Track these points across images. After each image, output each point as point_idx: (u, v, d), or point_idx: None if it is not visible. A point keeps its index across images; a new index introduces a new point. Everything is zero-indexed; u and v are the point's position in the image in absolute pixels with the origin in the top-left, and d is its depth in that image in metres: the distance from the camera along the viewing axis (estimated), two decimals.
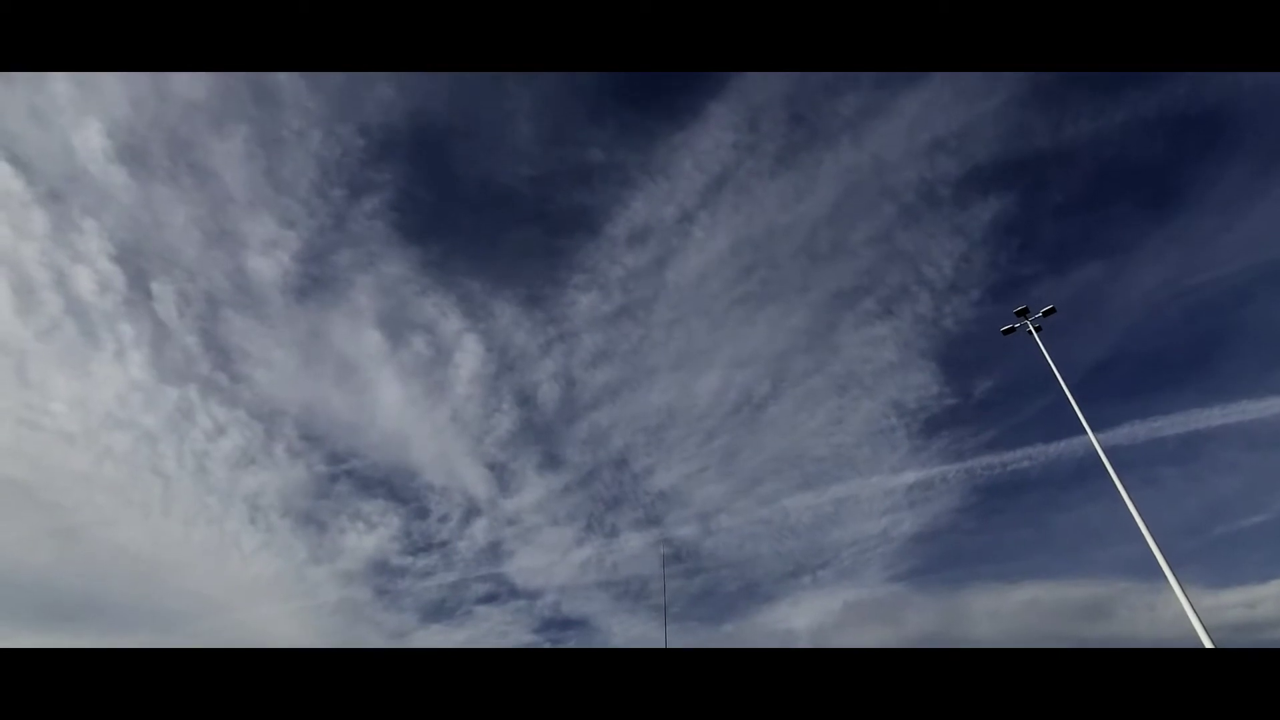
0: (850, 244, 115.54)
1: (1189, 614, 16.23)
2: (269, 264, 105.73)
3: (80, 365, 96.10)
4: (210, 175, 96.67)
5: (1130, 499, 18.86)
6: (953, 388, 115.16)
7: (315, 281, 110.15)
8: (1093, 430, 20.45)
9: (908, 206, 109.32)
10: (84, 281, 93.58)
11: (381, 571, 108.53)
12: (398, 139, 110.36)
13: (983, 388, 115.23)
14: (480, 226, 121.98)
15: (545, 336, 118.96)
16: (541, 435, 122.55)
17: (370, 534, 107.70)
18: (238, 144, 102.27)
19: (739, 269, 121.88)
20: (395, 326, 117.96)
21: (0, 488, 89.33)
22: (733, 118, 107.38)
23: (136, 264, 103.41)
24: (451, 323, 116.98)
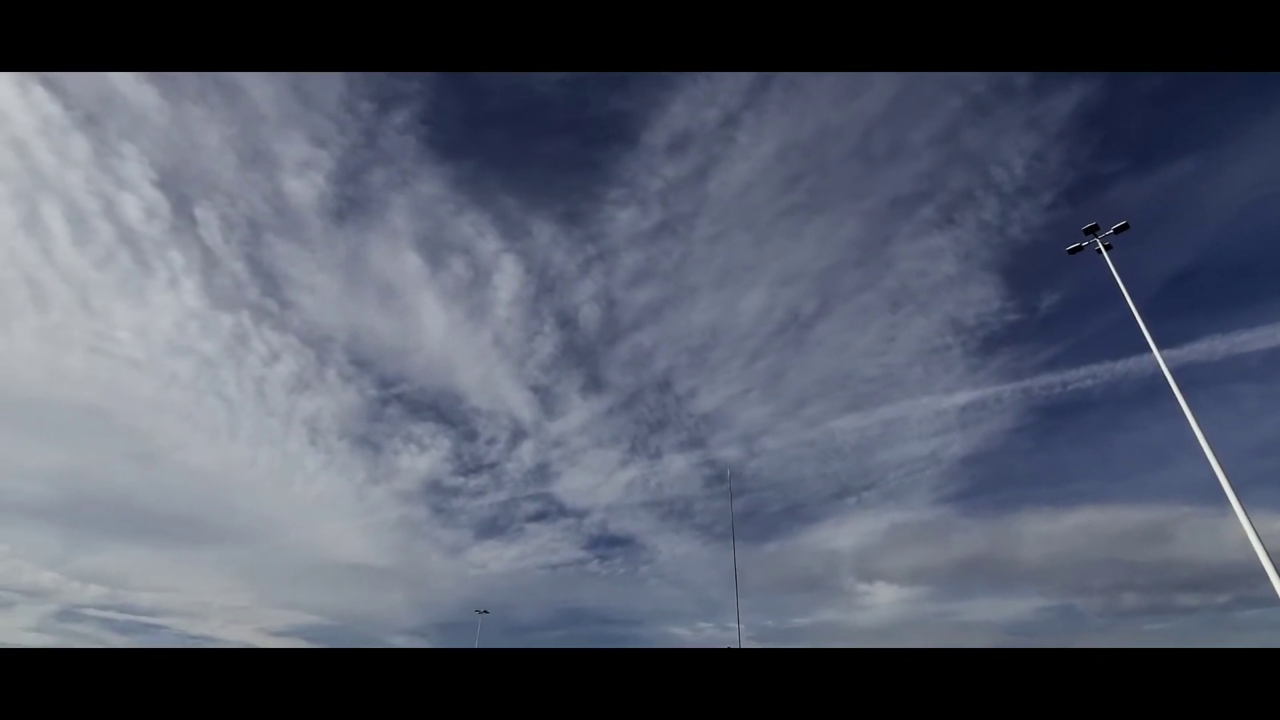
0: (910, 144, 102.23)
1: (1251, 537, 15.84)
2: (304, 185, 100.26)
3: (138, 293, 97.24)
4: (236, 90, 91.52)
5: (1195, 418, 18.16)
6: (1016, 302, 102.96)
7: (351, 203, 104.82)
8: (1166, 347, 19.74)
9: (976, 98, 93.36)
10: (131, 209, 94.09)
11: (436, 491, 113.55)
12: None
13: (1049, 302, 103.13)
14: (511, 139, 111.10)
15: (584, 255, 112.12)
16: (583, 357, 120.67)
17: (423, 455, 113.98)
18: None
19: (786, 177, 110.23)
20: (433, 248, 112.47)
21: (80, 414, 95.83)
22: None
23: (178, 189, 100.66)
24: (489, 243, 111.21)
